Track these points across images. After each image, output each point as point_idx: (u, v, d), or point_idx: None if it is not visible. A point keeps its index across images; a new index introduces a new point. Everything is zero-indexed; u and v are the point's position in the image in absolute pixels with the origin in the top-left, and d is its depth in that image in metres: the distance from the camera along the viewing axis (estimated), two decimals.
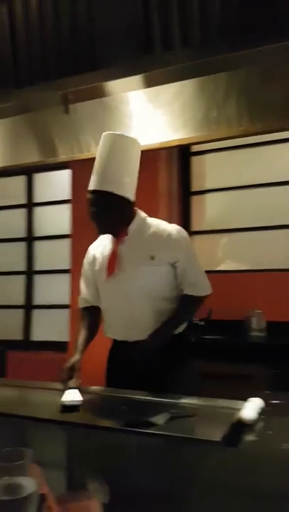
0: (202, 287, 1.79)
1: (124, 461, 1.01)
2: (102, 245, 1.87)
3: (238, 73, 2.27)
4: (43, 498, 0.62)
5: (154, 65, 2.25)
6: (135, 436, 1.15)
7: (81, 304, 1.94)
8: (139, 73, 2.30)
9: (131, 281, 1.73)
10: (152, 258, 1.71)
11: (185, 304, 1.76)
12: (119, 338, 1.79)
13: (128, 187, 1.75)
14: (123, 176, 1.73)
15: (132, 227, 1.79)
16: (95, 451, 1.07)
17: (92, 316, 1.89)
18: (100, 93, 2.40)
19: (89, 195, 1.73)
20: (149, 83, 2.35)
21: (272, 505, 0.80)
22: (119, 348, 1.80)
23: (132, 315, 1.74)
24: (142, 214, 1.84)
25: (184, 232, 1.82)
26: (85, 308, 1.91)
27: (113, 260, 1.75)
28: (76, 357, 1.71)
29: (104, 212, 1.71)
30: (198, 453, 1.05)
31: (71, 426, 1.23)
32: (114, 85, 2.38)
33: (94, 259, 1.86)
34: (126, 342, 1.76)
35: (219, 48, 2.10)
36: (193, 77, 2.33)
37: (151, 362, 1.63)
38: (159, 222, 1.83)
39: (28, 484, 0.67)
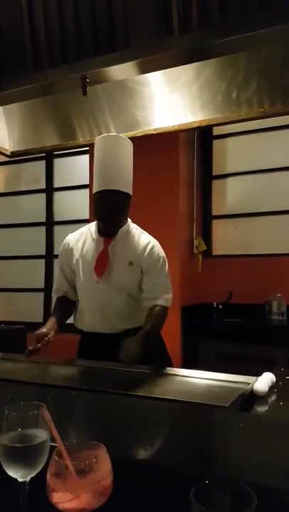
0: (170, 300, 1.88)
1: (133, 424, 1.04)
2: (82, 240, 1.97)
3: (259, 53, 2.23)
4: (54, 446, 0.66)
5: (173, 46, 2.23)
6: (144, 400, 1.19)
7: (57, 294, 2.04)
8: (158, 54, 2.29)
9: (114, 281, 1.84)
10: (131, 264, 1.85)
11: (162, 314, 1.84)
12: (93, 330, 1.91)
13: (130, 184, 1.87)
14: (126, 174, 1.86)
15: (123, 229, 1.91)
16: (107, 415, 1.10)
17: (66, 305, 2.01)
18: (118, 75, 2.39)
19: (97, 195, 1.84)
20: (169, 64, 2.33)
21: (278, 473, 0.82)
22: (91, 339, 1.93)
23: (110, 309, 1.85)
24: (129, 220, 1.97)
25: (160, 248, 1.93)
26: (60, 297, 2.03)
27: (105, 260, 1.85)
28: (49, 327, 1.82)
29: (115, 210, 1.84)
30: (209, 419, 1.07)
31: (87, 392, 1.28)
32: (134, 67, 2.38)
33: (72, 253, 1.96)
34: (98, 334, 1.88)
35: (239, 27, 2.07)
36: (212, 58, 2.30)
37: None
38: (141, 231, 1.96)
39: (41, 434, 0.70)
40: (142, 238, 1.91)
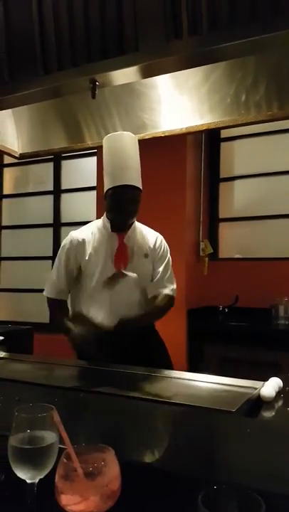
0: (175, 290, 1.98)
1: (140, 427, 1.04)
2: (91, 236, 1.94)
3: (269, 57, 2.23)
4: (63, 448, 0.66)
5: (182, 49, 2.24)
6: (151, 403, 1.20)
7: (53, 295, 1.98)
8: (167, 57, 2.30)
9: (135, 273, 1.89)
10: (146, 256, 1.94)
11: (167, 303, 1.94)
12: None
13: (140, 179, 1.92)
14: (138, 170, 1.91)
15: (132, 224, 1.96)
16: (114, 417, 1.10)
17: (66, 310, 1.98)
18: (127, 78, 2.40)
19: (114, 190, 1.85)
20: (178, 68, 2.33)
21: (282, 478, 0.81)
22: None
23: (121, 306, 1.86)
24: None
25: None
26: (59, 300, 1.98)
27: (126, 253, 1.90)
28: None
29: (133, 204, 1.88)
30: (215, 423, 1.07)
31: (95, 394, 1.28)
32: (142, 70, 2.39)
33: (84, 249, 1.91)
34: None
35: (249, 30, 2.07)
36: (222, 61, 2.30)
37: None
38: (142, 225, 2.03)
39: (50, 436, 0.71)
40: (148, 231, 2.03)
